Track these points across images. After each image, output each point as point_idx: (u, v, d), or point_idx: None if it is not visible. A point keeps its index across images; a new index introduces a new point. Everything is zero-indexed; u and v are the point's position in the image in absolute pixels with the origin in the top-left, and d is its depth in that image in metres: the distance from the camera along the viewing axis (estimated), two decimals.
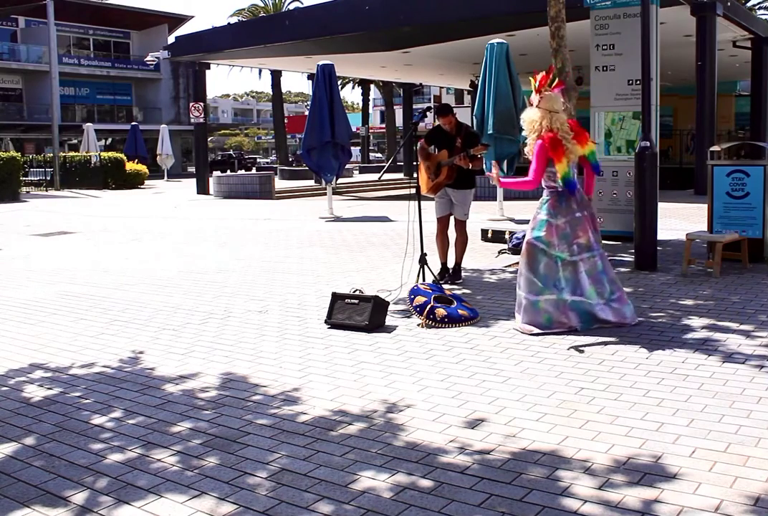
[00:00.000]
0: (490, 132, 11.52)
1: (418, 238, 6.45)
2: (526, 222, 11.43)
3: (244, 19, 41.82)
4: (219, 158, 49.48)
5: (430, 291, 5.74)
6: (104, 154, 29.43)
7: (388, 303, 5.68)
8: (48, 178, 27.81)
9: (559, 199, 5.30)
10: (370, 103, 51.26)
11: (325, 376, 4.41)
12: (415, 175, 6.85)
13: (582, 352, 4.71)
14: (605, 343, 4.89)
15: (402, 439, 3.42)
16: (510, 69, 11.80)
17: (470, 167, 6.75)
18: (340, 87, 41.50)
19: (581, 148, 5.30)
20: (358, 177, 30.25)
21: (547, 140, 5.19)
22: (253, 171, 43.23)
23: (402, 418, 3.68)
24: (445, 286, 6.43)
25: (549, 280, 5.27)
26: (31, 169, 28.36)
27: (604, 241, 9.36)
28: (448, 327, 5.43)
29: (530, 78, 5.44)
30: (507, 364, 4.51)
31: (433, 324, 5.46)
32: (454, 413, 3.72)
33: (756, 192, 7.42)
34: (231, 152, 56.07)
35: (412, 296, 5.65)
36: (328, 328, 5.55)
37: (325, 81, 13.97)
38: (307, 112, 15.14)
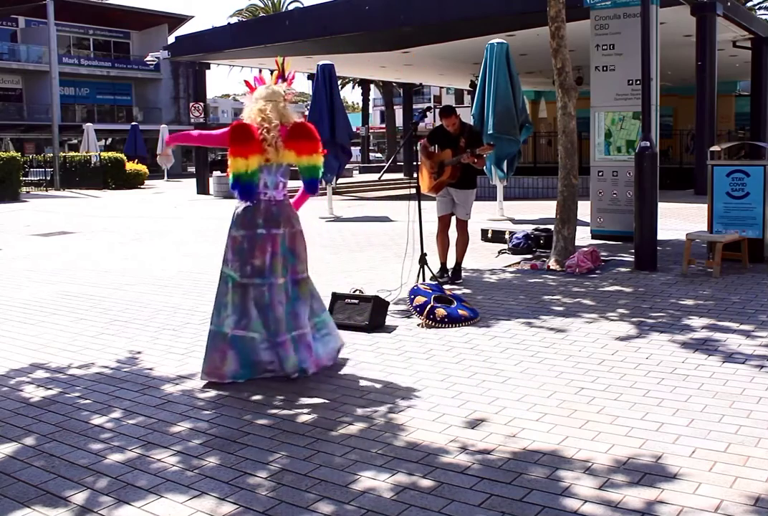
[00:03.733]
0: (491, 132, 11.51)
1: (418, 238, 6.45)
2: (526, 222, 11.52)
3: (243, 20, 41.81)
4: (219, 158, 49.36)
5: (430, 291, 5.74)
6: (104, 154, 29.42)
7: (388, 303, 5.68)
8: (48, 178, 27.81)
9: (246, 208, 4.33)
10: (370, 103, 51.25)
11: (325, 376, 4.41)
12: (415, 175, 6.85)
13: None
14: (605, 344, 4.90)
15: (402, 439, 3.42)
16: (510, 69, 11.79)
17: (476, 164, 6.79)
18: (340, 87, 41.49)
19: (296, 156, 4.32)
20: (358, 177, 30.24)
21: (236, 126, 4.24)
22: None
23: (402, 418, 3.68)
24: (445, 286, 6.43)
25: (218, 305, 4.37)
26: (31, 169, 28.37)
27: (604, 241, 9.40)
28: (448, 327, 5.43)
29: (245, 82, 4.59)
30: (507, 364, 4.51)
31: (433, 324, 5.46)
32: (454, 413, 3.72)
33: (756, 192, 7.42)
34: None
35: (412, 296, 5.65)
36: None
37: (325, 81, 13.96)
38: (307, 112, 15.13)
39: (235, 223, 4.35)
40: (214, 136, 4.45)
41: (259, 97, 4.38)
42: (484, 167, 11.54)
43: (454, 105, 36.43)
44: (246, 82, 4.61)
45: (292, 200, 4.60)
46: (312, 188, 4.52)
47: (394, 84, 39.31)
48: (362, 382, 4.25)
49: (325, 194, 14.99)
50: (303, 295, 4.43)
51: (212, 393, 4.18)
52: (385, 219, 13.75)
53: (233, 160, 4.20)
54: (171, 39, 34.47)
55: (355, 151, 42.42)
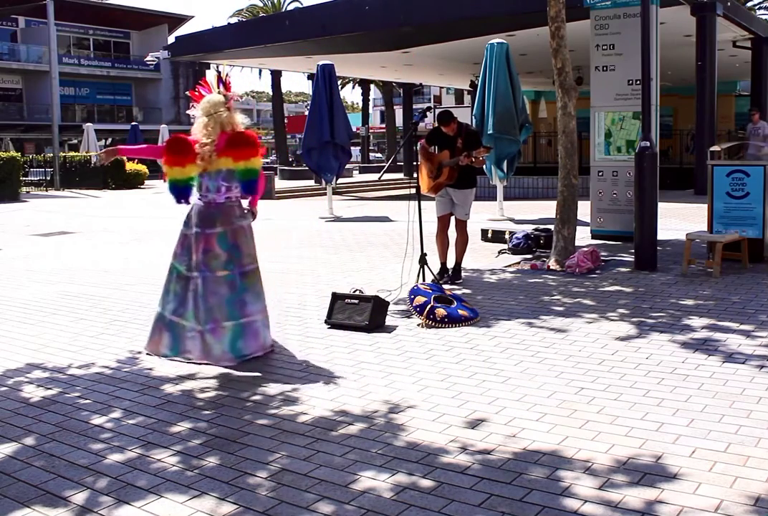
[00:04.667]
0: (490, 132, 11.51)
1: (418, 238, 6.45)
2: (526, 222, 11.52)
3: (243, 20, 41.80)
4: None
5: (430, 291, 5.74)
6: None
7: (388, 303, 5.68)
8: (48, 178, 27.77)
9: (192, 208, 4.90)
10: (370, 103, 51.20)
11: (325, 376, 4.41)
12: (415, 175, 6.85)
13: None
14: (605, 344, 4.90)
15: (402, 439, 3.42)
16: (510, 69, 11.80)
17: (475, 164, 6.78)
18: (340, 87, 41.48)
19: (233, 162, 4.71)
20: (358, 177, 30.26)
21: (172, 140, 4.81)
22: None
23: (402, 418, 3.68)
24: (445, 286, 6.43)
25: (165, 291, 5.00)
26: (31, 169, 28.33)
27: (604, 241, 9.40)
28: (448, 327, 5.43)
29: (190, 93, 5.02)
30: (507, 364, 4.51)
31: (433, 324, 5.46)
32: (454, 413, 3.72)
33: (756, 192, 7.42)
34: None
35: (412, 296, 5.65)
36: (328, 328, 5.55)
37: (325, 81, 13.97)
38: (307, 112, 15.13)
39: (185, 223, 4.92)
40: (155, 149, 5.12)
41: (202, 113, 4.79)
42: (484, 167, 11.57)
43: (453, 105, 36.39)
44: (191, 91, 4.96)
45: (245, 201, 5.02)
46: (249, 189, 4.87)
47: (394, 84, 39.31)
48: (362, 382, 4.25)
49: (325, 194, 14.98)
50: (251, 286, 4.86)
51: (212, 393, 4.18)
52: (385, 219, 13.75)
53: (169, 169, 4.76)
54: (171, 39, 34.48)
55: (355, 151, 42.46)
